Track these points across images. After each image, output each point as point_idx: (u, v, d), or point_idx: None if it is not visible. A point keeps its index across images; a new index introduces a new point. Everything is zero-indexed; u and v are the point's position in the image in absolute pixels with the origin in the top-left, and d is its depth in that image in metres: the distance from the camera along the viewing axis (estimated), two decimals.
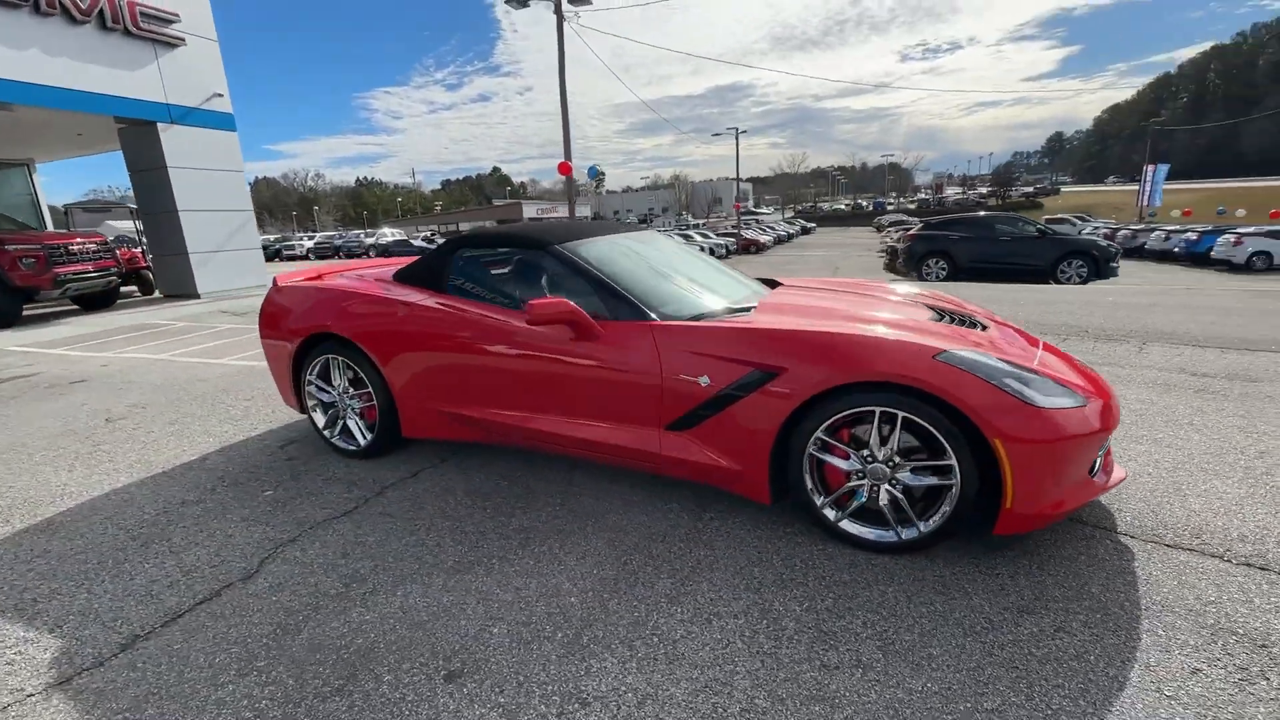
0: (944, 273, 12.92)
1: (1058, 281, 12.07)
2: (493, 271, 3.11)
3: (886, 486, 2.11)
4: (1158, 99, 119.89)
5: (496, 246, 3.08)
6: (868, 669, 1.64)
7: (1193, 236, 22.60)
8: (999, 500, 1.96)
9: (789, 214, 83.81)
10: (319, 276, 3.53)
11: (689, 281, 2.94)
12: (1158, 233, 25.71)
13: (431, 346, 2.90)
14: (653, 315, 2.49)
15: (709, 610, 1.92)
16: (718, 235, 36.15)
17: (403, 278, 3.23)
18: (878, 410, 2.03)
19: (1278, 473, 2.64)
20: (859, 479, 2.15)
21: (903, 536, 2.11)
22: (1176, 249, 23.26)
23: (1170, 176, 40.69)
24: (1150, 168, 38.26)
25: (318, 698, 1.63)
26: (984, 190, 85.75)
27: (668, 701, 1.56)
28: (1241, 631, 1.70)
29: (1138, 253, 25.75)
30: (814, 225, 68.70)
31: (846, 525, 2.19)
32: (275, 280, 3.49)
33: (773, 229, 48.82)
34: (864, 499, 2.16)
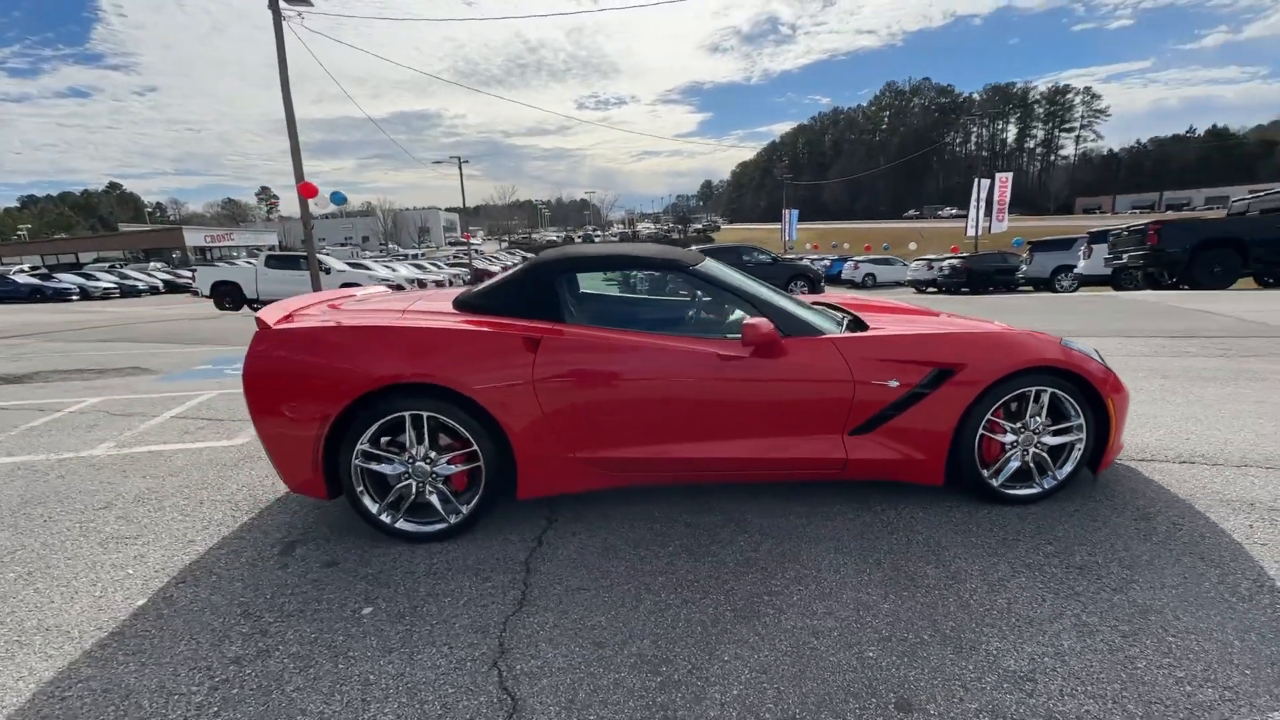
0: None
1: None
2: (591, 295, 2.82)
3: (1034, 449, 2.68)
4: (770, 159, 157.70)
5: (609, 269, 2.81)
6: (1084, 570, 2.14)
7: (827, 263, 30.54)
8: (1103, 446, 2.69)
9: (504, 244, 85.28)
10: (290, 316, 2.66)
11: (782, 297, 3.13)
12: (804, 261, 34.13)
13: (580, 383, 2.49)
14: (823, 331, 2.64)
15: (1006, 579, 2.19)
16: (448, 266, 34.85)
17: (483, 307, 2.67)
18: (1033, 390, 2.59)
19: None
20: (1012, 449, 2.67)
21: (1046, 487, 2.70)
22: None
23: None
24: (787, 211, 49.90)
25: None
26: (669, 226, 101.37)
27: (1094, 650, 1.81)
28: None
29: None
30: (534, 256, 71.23)
31: (1009, 490, 2.69)
32: (264, 322, 2.50)
33: (498, 259, 49.38)
34: (1018, 464, 2.69)
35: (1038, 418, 2.65)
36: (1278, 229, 11.03)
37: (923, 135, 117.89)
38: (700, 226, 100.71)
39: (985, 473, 2.67)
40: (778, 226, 67.77)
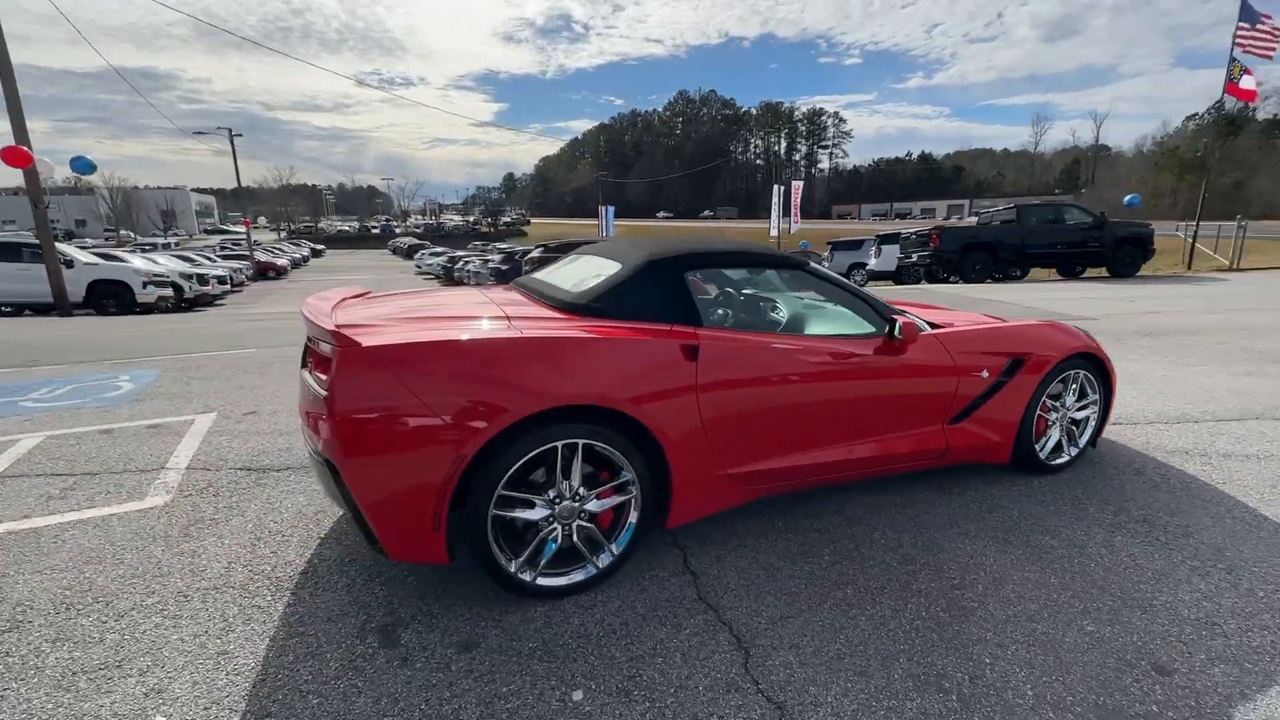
0: None
1: None
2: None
3: (1066, 422, 3.11)
4: (574, 155, 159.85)
5: (732, 266, 2.59)
6: (1115, 527, 2.62)
7: None
8: (1105, 417, 3.22)
9: (282, 234, 74.06)
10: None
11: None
12: None
13: (738, 391, 2.26)
14: (923, 328, 2.76)
15: (1112, 540, 2.51)
16: (220, 258, 29.16)
17: (608, 311, 2.27)
18: (1071, 372, 3.01)
19: None
20: (1053, 425, 3.08)
21: (1072, 455, 3.15)
22: None
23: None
24: (604, 207, 50.97)
25: None
26: (475, 219, 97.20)
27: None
28: None
29: None
30: (322, 247, 63.11)
31: (1051, 460, 3.09)
32: (352, 338, 1.83)
33: (281, 250, 42.76)
34: (1058, 437, 3.10)
35: (1069, 397, 3.09)
36: (1014, 236, 14.32)
37: (712, 143, 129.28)
38: (509, 220, 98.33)
39: (1036, 447, 3.03)
40: (590, 222, 68.92)
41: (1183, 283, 13.22)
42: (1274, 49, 14.16)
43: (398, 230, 79.57)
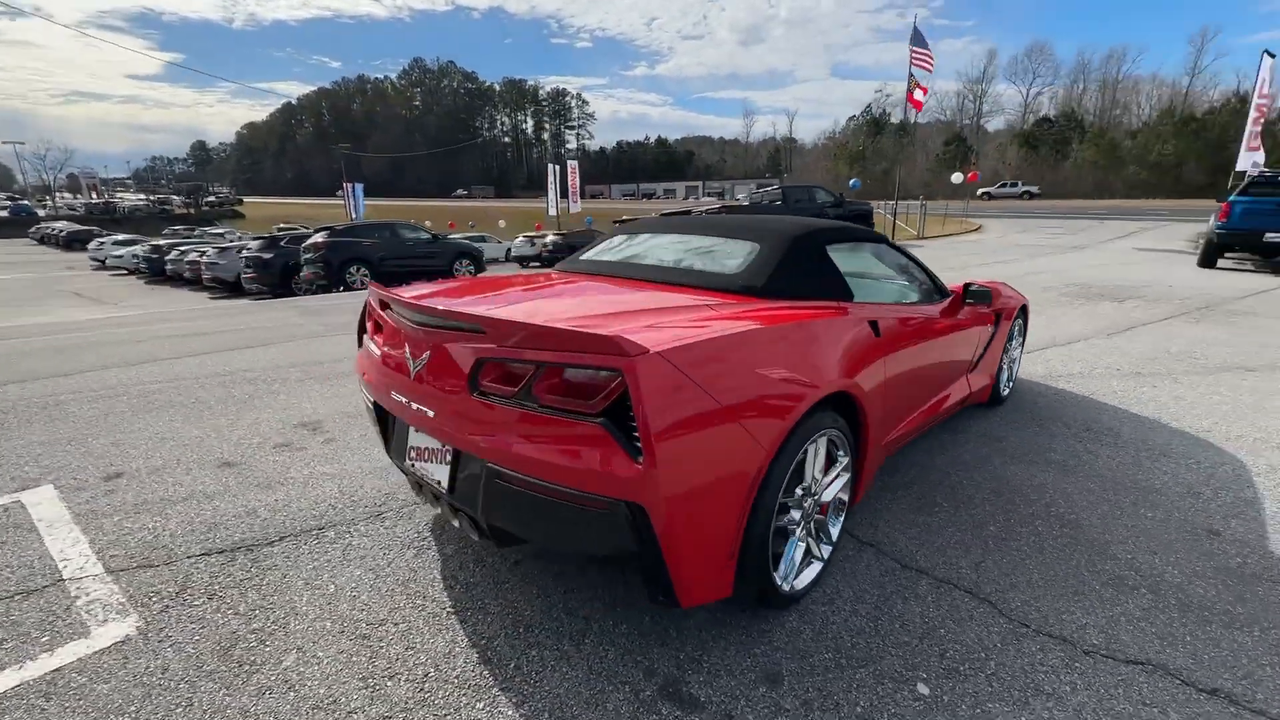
0: (367, 280, 12.86)
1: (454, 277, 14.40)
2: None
3: (1010, 362, 3.85)
4: (289, 123, 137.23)
5: (849, 241, 2.60)
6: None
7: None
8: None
9: None
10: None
11: None
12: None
13: (898, 363, 2.32)
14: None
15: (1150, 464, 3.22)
16: None
17: (779, 291, 2.11)
18: (1019, 322, 3.74)
19: None
20: (1006, 366, 3.78)
21: (1010, 388, 3.92)
22: None
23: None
24: (349, 184, 45.24)
25: None
26: (177, 197, 77.30)
27: None
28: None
29: None
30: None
31: (1004, 392, 3.79)
32: (639, 344, 1.40)
33: None
34: (1007, 376, 3.81)
35: (1014, 341, 3.83)
36: (783, 211, 16.73)
37: (457, 118, 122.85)
38: (215, 199, 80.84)
39: (1001, 384, 3.71)
40: (324, 202, 60.64)
41: None
42: (933, 65, 18.73)
43: (41, 213, 59.56)
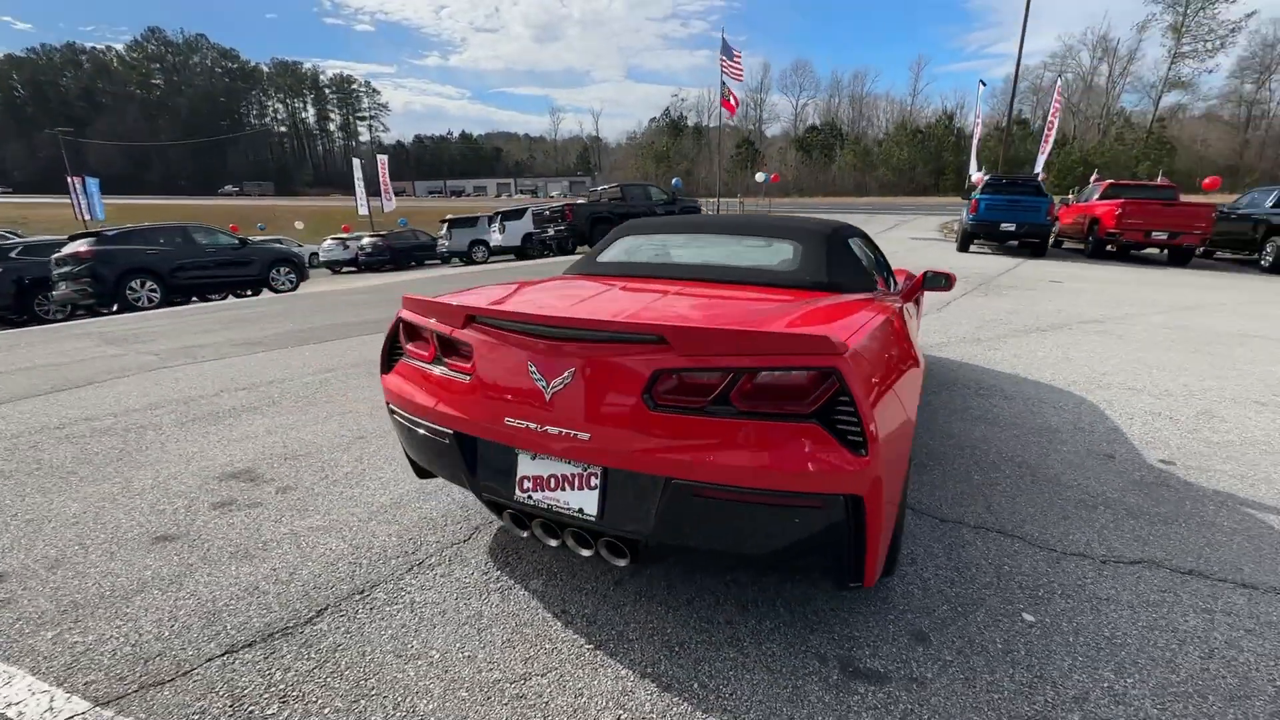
0: (156, 296, 10.50)
1: (273, 289, 12.42)
2: None
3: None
4: None
5: (853, 236, 2.83)
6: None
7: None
8: None
9: None
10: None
11: None
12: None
13: (907, 349, 2.61)
14: None
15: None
16: None
17: (849, 286, 2.28)
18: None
19: None
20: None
21: None
22: None
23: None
24: (77, 180, 36.59)
25: None
26: None
27: None
28: None
29: None
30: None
31: None
32: (846, 345, 1.42)
33: None
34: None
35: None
36: (622, 209, 17.20)
37: (216, 102, 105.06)
38: None
39: None
40: (35, 200, 48.78)
41: None
42: (743, 74, 20.67)
43: None
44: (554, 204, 18.03)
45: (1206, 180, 17.33)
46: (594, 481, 1.64)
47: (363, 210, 28.23)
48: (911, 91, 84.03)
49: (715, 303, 2.01)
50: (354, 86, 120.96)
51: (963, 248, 14.46)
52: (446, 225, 22.17)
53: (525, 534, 1.86)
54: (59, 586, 2.06)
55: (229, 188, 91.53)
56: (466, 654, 1.74)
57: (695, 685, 1.64)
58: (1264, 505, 2.62)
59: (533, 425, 1.64)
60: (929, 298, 7.88)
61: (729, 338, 1.49)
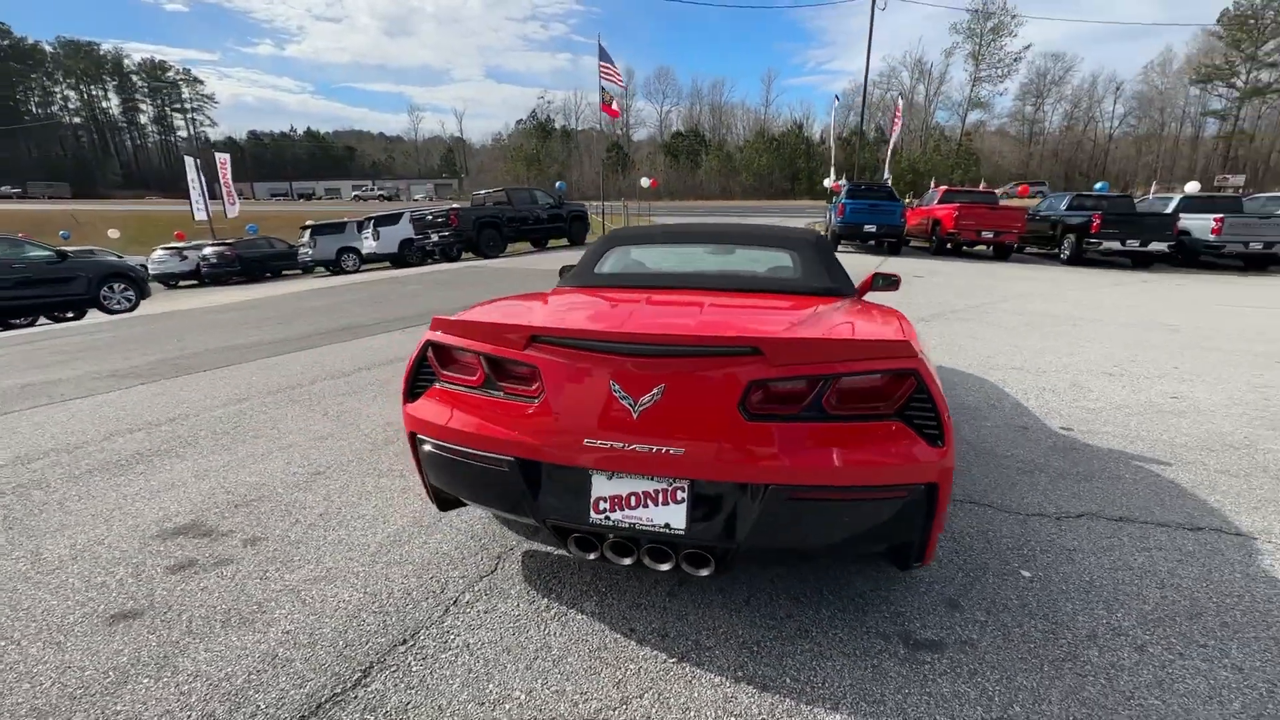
0: None
1: (105, 310, 10.59)
2: None
3: None
4: None
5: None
6: None
7: None
8: None
9: None
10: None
11: None
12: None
13: None
14: None
15: None
16: None
17: (834, 291, 2.47)
18: None
19: None
20: None
21: None
22: None
23: None
24: None
25: None
26: None
27: None
28: None
29: None
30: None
31: None
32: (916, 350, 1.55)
33: None
34: None
35: None
36: (509, 214, 16.76)
37: None
38: None
39: None
40: None
41: None
42: (621, 80, 20.97)
43: None
44: (434, 208, 17.15)
45: (1021, 187, 20.65)
46: (680, 495, 1.65)
47: (200, 215, 24.84)
48: (765, 101, 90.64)
49: (765, 312, 2.09)
50: (168, 74, 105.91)
51: (832, 248, 15.90)
52: (309, 232, 20.25)
53: (592, 556, 1.81)
54: (3, 696, 1.66)
55: (7, 188, 76.23)
56: (553, 689, 1.67)
57: (787, 680, 1.71)
58: (1147, 457, 3.21)
59: (617, 444, 1.61)
60: None
61: (822, 346, 1.58)
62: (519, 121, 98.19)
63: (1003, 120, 72.57)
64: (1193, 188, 19.97)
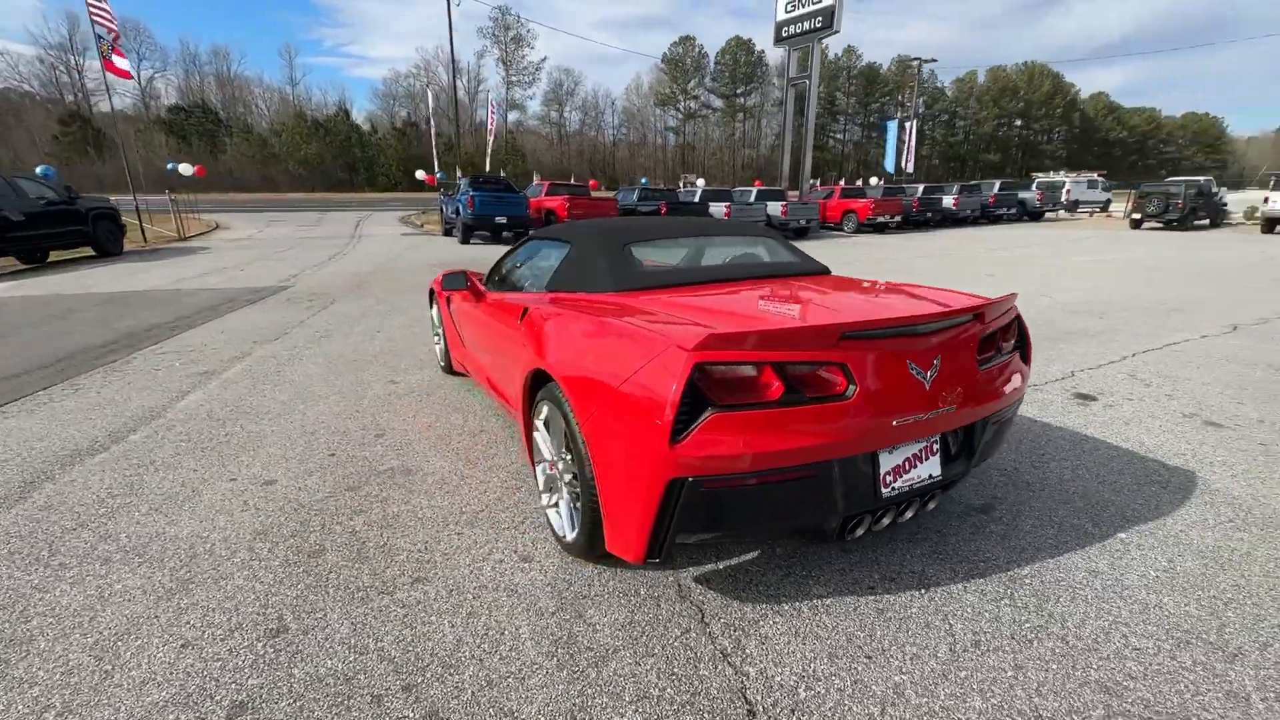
0: None
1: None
2: None
3: None
4: None
5: None
6: None
7: None
8: None
9: None
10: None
11: None
12: None
13: None
14: None
15: None
16: None
17: (826, 270, 2.97)
18: None
19: None
20: None
21: None
22: None
23: None
24: None
25: None
26: None
27: None
28: None
29: None
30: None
31: None
32: None
33: None
34: None
35: None
36: None
37: None
38: None
39: None
40: None
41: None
42: (116, 27, 15.15)
43: None
44: None
45: (593, 182, 24.58)
46: (935, 448, 1.95)
47: None
48: (290, 80, 79.52)
49: (858, 291, 2.43)
50: None
51: (465, 240, 15.98)
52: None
53: (860, 532, 1.94)
54: None
55: None
56: (654, 695, 1.73)
57: (874, 641, 2.18)
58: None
59: (920, 416, 1.78)
60: None
61: (996, 305, 2.07)
62: None
63: (535, 122, 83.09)
64: (701, 184, 27.83)
